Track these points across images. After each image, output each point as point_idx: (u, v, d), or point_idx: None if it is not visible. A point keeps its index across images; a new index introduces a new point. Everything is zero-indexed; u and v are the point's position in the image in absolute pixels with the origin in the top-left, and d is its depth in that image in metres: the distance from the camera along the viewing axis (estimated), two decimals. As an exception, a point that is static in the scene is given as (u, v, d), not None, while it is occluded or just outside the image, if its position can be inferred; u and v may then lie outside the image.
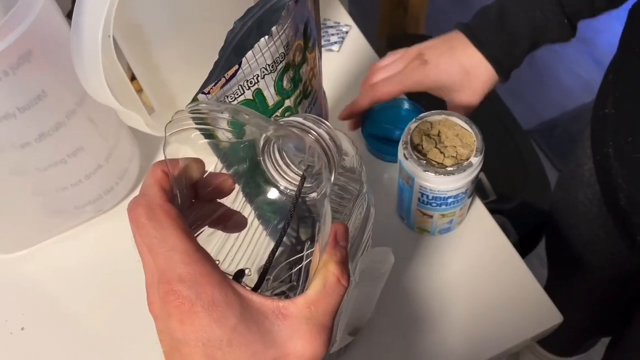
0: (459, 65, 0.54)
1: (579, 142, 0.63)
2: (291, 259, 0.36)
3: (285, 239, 0.32)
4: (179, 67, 0.46)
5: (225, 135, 0.34)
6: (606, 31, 1.80)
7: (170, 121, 0.29)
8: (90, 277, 0.58)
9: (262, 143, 0.34)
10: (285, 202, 0.36)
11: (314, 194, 0.35)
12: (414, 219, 0.57)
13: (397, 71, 0.56)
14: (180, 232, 0.26)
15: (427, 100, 0.60)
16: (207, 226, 0.34)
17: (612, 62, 0.52)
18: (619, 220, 0.49)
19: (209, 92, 0.36)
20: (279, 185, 0.36)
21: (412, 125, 0.52)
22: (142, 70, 0.47)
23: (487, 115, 1.13)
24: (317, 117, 0.32)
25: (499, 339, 0.53)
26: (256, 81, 0.38)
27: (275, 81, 0.39)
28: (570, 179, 0.64)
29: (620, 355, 0.64)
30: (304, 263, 0.35)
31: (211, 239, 0.36)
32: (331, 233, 0.29)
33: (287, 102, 0.41)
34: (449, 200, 0.52)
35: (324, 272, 0.28)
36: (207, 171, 0.33)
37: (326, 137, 0.31)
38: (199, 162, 0.31)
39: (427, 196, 0.52)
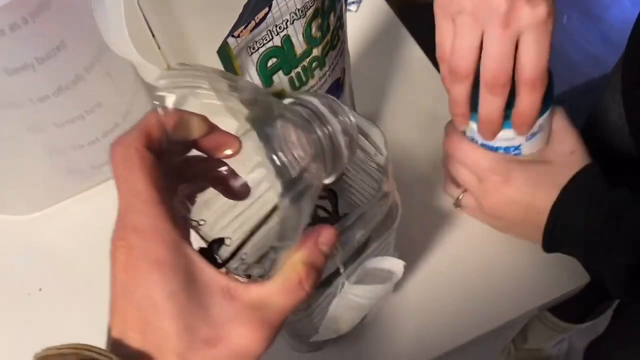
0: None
1: (604, 92, 0.62)
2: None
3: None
4: (199, 20, 0.44)
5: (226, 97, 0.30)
6: (614, 7, 1.78)
7: (160, 77, 0.27)
8: (106, 238, 0.57)
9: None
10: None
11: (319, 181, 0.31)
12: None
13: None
14: (149, 181, 0.25)
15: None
16: (210, 187, 0.32)
17: None
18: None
19: (238, 36, 0.35)
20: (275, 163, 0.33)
21: None
22: (159, 22, 0.46)
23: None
24: (336, 100, 0.28)
25: (524, 299, 0.52)
26: (285, 27, 0.37)
27: (304, 28, 0.38)
28: (596, 126, 0.64)
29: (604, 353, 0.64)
30: (279, 253, 0.33)
31: (215, 202, 0.34)
32: (314, 232, 0.27)
33: (315, 52, 0.40)
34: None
35: (290, 269, 0.26)
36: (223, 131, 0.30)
37: (338, 128, 0.27)
38: (203, 120, 0.29)
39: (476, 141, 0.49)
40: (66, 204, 0.60)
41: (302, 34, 0.38)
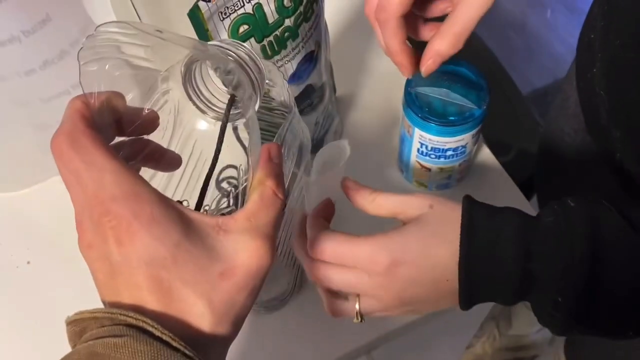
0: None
1: (565, 79, 0.65)
2: (229, 188, 0.37)
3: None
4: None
5: (143, 63, 0.32)
6: (598, 1, 1.82)
7: (82, 48, 0.28)
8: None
9: (183, 71, 0.33)
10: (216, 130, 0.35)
11: (242, 120, 0.35)
12: (412, 171, 0.57)
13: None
14: (107, 154, 0.25)
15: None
16: (141, 166, 0.33)
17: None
18: (601, 142, 0.51)
19: (209, 0, 0.37)
20: (207, 115, 0.35)
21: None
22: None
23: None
24: (235, 41, 0.32)
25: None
26: (257, -6, 0.39)
27: (276, -3, 0.40)
28: (556, 114, 0.66)
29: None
30: (241, 188, 0.36)
31: (153, 179, 0.35)
32: (264, 151, 0.30)
33: (287, 22, 0.42)
34: (448, 153, 0.52)
35: (260, 187, 0.28)
36: (140, 108, 0.32)
37: (247, 58, 0.31)
38: (119, 95, 0.30)
39: (426, 146, 0.52)
40: (53, 181, 0.62)
41: (274, 3, 0.40)
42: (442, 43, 0.39)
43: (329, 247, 0.37)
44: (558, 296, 0.35)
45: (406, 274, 0.37)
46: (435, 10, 0.43)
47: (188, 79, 0.34)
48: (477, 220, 0.36)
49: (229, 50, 0.31)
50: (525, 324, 1.23)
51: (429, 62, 0.40)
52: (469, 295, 0.37)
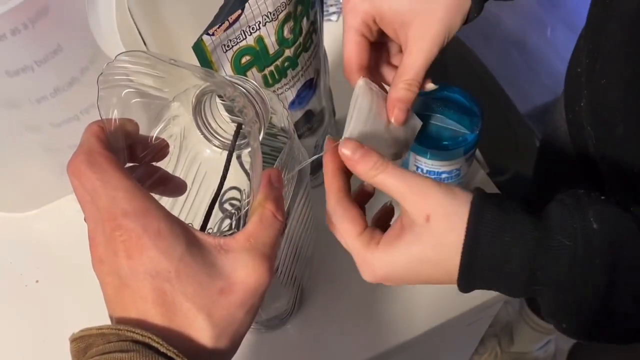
0: None
1: (556, 108, 0.66)
2: (232, 209, 0.39)
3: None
4: (186, 24, 0.48)
5: (154, 92, 0.34)
6: (597, 20, 1.84)
7: (101, 73, 0.30)
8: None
9: (194, 102, 0.35)
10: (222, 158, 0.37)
11: (247, 149, 0.37)
12: None
13: None
14: (121, 173, 0.27)
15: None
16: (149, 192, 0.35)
17: (583, 29, 0.54)
18: (591, 173, 0.52)
19: (213, 34, 0.39)
20: (212, 144, 0.38)
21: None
22: (148, 27, 0.50)
23: (478, 90, 1.17)
24: (242, 76, 0.34)
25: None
26: (258, 27, 0.41)
27: (276, 30, 0.42)
28: (548, 142, 0.67)
29: None
30: (243, 212, 0.38)
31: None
32: (265, 176, 0.31)
33: (287, 52, 0.44)
34: (443, 176, 0.53)
35: (260, 209, 0.30)
36: (150, 136, 0.34)
37: (252, 91, 0.33)
38: (133, 123, 0.32)
39: (422, 170, 0.53)
40: (62, 202, 0.64)
41: (275, 35, 0.43)
42: (397, 92, 0.41)
43: (336, 230, 0.37)
44: (564, 323, 0.34)
45: (394, 283, 0.36)
46: (397, 59, 0.45)
47: (198, 110, 0.36)
48: (481, 248, 0.32)
49: (237, 84, 0.33)
50: (527, 341, 1.23)
51: (396, 112, 0.41)
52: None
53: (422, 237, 0.34)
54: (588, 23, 0.48)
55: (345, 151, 0.35)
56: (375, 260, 0.35)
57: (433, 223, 0.33)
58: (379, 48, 0.46)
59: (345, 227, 0.36)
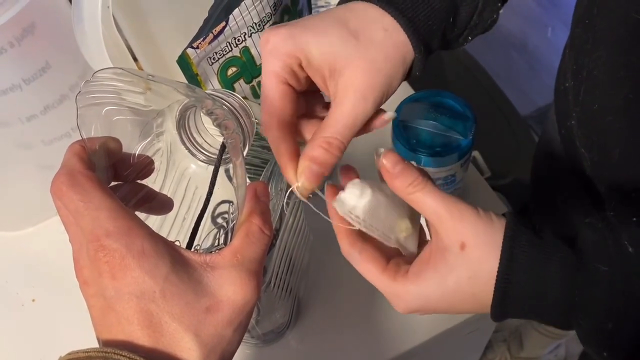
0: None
1: (548, 119, 0.65)
2: (223, 223, 0.38)
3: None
4: (175, 38, 0.48)
5: (137, 108, 0.33)
6: (598, 19, 1.83)
7: (79, 92, 0.29)
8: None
9: (177, 117, 0.35)
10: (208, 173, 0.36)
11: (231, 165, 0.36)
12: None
13: None
14: (104, 193, 0.27)
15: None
16: (134, 210, 0.34)
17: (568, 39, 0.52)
18: (588, 191, 0.50)
19: (197, 47, 0.38)
20: (198, 159, 0.37)
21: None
22: (138, 41, 0.50)
23: (478, 94, 1.17)
24: (227, 90, 0.34)
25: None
26: (243, 39, 0.41)
27: (262, 40, 0.42)
28: (542, 153, 0.66)
29: None
30: (231, 225, 0.37)
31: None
32: (250, 189, 0.30)
33: (275, 62, 0.44)
34: (439, 182, 0.53)
35: (246, 224, 0.29)
36: (134, 154, 0.33)
37: (236, 105, 0.33)
38: (115, 140, 0.31)
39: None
40: (57, 219, 0.63)
41: (261, 46, 0.42)
42: (313, 149, 0.33)
43: (359, 271, 0.35)
44: (605, 352, 0.32)
45: (427, 313, 0.35)
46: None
47: (182, 124, 0.35)
48: (517, 275, 0.31)
49: (220, 97, 0.32)
50: (537, 345, 1.22)
51: (306, 173, 0.33)
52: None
53: (456, 269, 0.32)
54: (572, 41, 0.46)
55: (386, 163, 0.33)
56: (408, 294, 0.33)
57: (468, 251, 0.32)
58: (313, 97, 0.37)
59: (367, 268, 0.34)
